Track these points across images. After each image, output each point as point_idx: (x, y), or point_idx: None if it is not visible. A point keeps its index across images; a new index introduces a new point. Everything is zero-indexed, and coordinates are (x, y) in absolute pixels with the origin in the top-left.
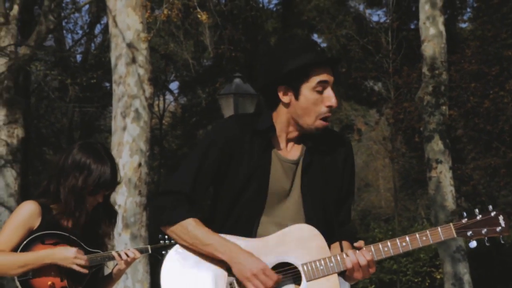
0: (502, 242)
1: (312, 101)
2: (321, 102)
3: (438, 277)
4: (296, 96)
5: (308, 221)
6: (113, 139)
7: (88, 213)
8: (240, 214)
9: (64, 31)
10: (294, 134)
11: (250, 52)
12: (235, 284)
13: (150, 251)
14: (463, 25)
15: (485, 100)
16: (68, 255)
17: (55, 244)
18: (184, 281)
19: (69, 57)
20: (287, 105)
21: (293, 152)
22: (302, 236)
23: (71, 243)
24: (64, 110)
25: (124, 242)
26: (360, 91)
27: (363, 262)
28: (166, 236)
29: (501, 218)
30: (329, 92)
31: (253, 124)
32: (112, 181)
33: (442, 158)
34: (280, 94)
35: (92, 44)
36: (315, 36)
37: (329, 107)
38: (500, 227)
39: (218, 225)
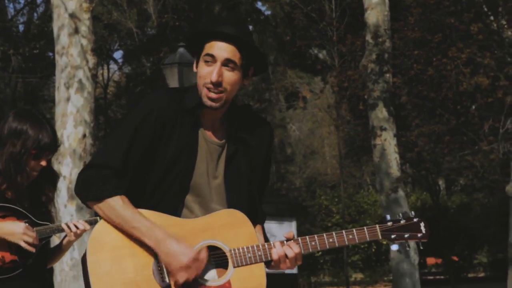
0: (422, 248)
1: (200, 71)
2: (206, 75)
3: (385, 242)
4: (196, 66)
5: (230, 205)
6: (57, 110)
7: (29, 178)
8: (166, 192)
9: (6, 1)
10: (214, 112)
11: (194, 21)
12: (162, 264)
13: (99, 221)
14: None
15: (428, 68)
16: (16, 230)
17: (3, 217)
18: (110, 259)
19: (11, 27)
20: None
21: (220, 133)
22: (232, 221)
23: (20, 216)
24: (7, 81)
25: (70, 214)
26: (305, 59)
27: (290, 254)
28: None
29: (422, 225)
30: (212, 67)
31: (182, 100)
32: (53, 143)
33: (387, 125)
34: (194, 63)
35: (35, 14)
36: (259, 4)
37: (210, 83)
38: (421, 234)
39: (144, 200)
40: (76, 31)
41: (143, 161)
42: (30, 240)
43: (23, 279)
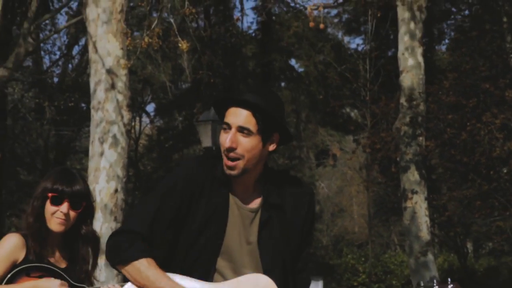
0: None
1: (219, 139)
2: (223, 142)
3: None
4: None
5: (265, 271)
6: (90, 165)
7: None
8: (197, 257)
9: (42, 52)
10: (246, 178)
11: (229, 78)
12: None
13: None
14: (441, 55)
15: (462, 132)
16: (52, 286)
17: (40, 277)
18: None
19: (46, 78)
20: None
21: (253, 199)
22: (257, 285)
23: (56, 277)
24: (40, 131)
25: (99, 269)
26: (337, 118)
27: None
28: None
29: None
30: (228, 134)
31: (214, 166)
32: (76, 190)
33: (418, 188)
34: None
35: (70, 65)
36: (293, 62)
37: (224, 149)
38: None
39: (175, 268)
40: (113, 86)
41: (171, 229)
42: None
43: None
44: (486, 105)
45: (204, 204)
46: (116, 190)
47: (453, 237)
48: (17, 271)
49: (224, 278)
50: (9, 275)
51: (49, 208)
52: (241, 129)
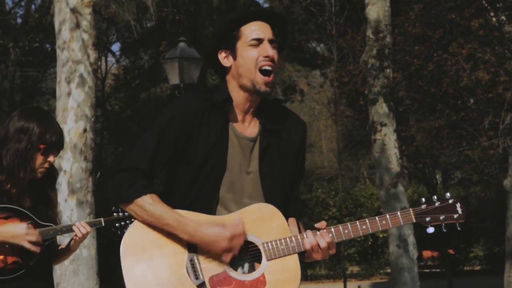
0: (459, 229)
1: (247, 55)
2: (257, 54)
3: (381, 236)
4: (234, 56)
5: (267, 199)
6: (58, 105)
7: (34, 174)
8: (199, 191)
9: None
10: (247, 105)
11: (194, 15)
12: (196, 260)
13: (103, 224)
14: None
15: (429, 63)
16: (18, 232)
17: (6, 218)
18: (144, 260)
19: (9, 19)
20: (229, 69)
21: (250, 128)
22: (263, 215)
23: (23, 217)
24: (5, 73)
25: (70, 208)
26: (303, 53)
27: (323, 244)
28: (119, 209)
29: (458, 205)
30: (264, 44)
31: (210, 97)
32: (60, 139)
33: (387, 120)
34: (221, 59)
35: (33, 6)
36: None
37: (266, 57)
38: (457, 214)
39: (176, 201)
40: (78, 26)
41: (172, 163)
42: (34, 238)
43: (26, 280)
44: (452, 36)
45: (204, 137)
46: (85, 130)
47: (422, 168)
48: None
49: (227, 209)
50: None
51: (39, 158)
52: (272, 42)
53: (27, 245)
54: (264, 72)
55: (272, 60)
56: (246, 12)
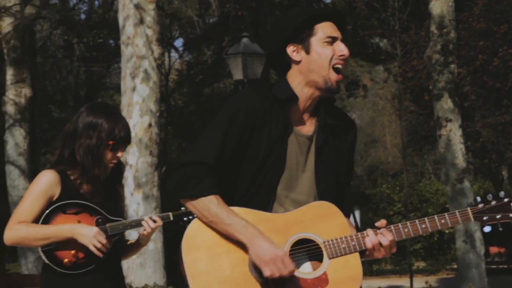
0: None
1: (323, 52)
2: (332, 52)
3: (447, 232)
4: (307, 51)
5: (321, 197)
6: (123, 100)
7: (106, 171)
8: (258, 187)
9: None
10: (309, 103)
11: (256, 10)
12: (251, 267)
13: (171, 218)
14: None
15: (494, 58)
16: (88, 233)
17: (77, 213)
18: (207, 257)
19: (73, 15)
20: (298, 62)
21: (307, 126)
22: (323, 213)
23: (93, 212)
24: (70, 69)
25: (136, 202)
26: (366, 48)
27: (385, 242)
28: None
29: None
30: (339, 44)
31: (271, 94)
32: (128, 135)
33: (452, 116)
34: (290, 52)
35: (96, 2)
36: None
37: (341, 56)
38: None
39: (237, 197)
40: (141, 21)
41: (234, 159)
42: (99, 245)
43: (97, 274)
44: None
45: (266, 134)
46: (150, 125)
47: (488, 164)
48: (53, 209)
49: (282, 207)
50: (46, 211)
51: (108, 154)
52: (342, 41)
53: (92, 248)
54: (337, 70)
55: (344, 59)
56: (326, 11)
